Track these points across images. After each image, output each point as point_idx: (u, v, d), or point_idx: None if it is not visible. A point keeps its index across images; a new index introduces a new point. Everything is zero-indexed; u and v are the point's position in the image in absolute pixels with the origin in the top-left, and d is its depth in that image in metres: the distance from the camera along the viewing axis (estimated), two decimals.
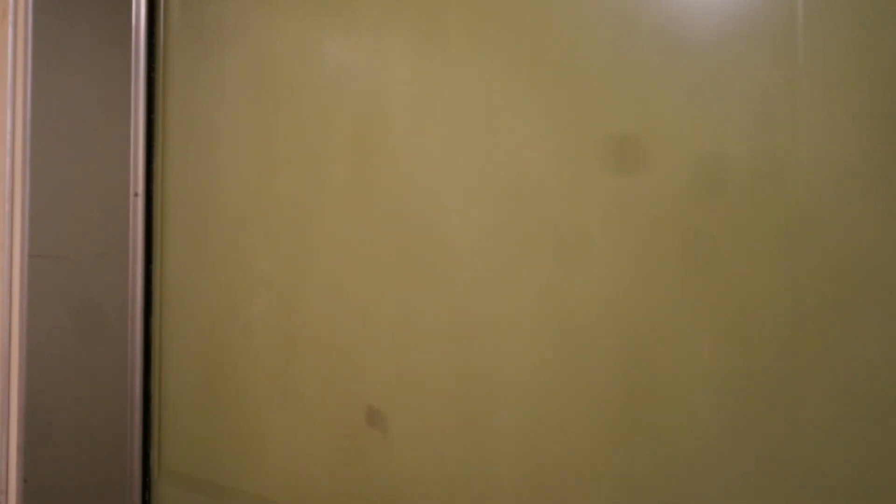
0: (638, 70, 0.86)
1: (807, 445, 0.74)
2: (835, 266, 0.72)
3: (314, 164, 1.23)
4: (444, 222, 1.05)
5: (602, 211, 0.88)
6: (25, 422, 1.33)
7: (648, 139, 0.85)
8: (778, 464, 0.76)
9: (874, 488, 0.70)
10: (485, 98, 1.00)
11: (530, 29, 0.96)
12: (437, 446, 1.04)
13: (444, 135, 1.05)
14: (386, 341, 1.11)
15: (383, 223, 1.12)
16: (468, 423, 1.01)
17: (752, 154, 0.77)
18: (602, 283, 0.88)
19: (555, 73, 0.94)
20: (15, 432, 1.33)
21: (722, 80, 0.80)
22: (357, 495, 1.14)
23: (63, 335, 1.38)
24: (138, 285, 1.45)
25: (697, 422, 0.81)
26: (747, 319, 0.77)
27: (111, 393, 1.45)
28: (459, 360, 1.02)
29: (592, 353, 0.89)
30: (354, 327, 1.15)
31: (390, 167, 1.11)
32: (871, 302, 0.70)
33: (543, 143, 0.94)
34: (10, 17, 1.27)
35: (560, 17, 0.93)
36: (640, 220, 0.85)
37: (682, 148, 0.82)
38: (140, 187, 1.45)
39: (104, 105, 1.39)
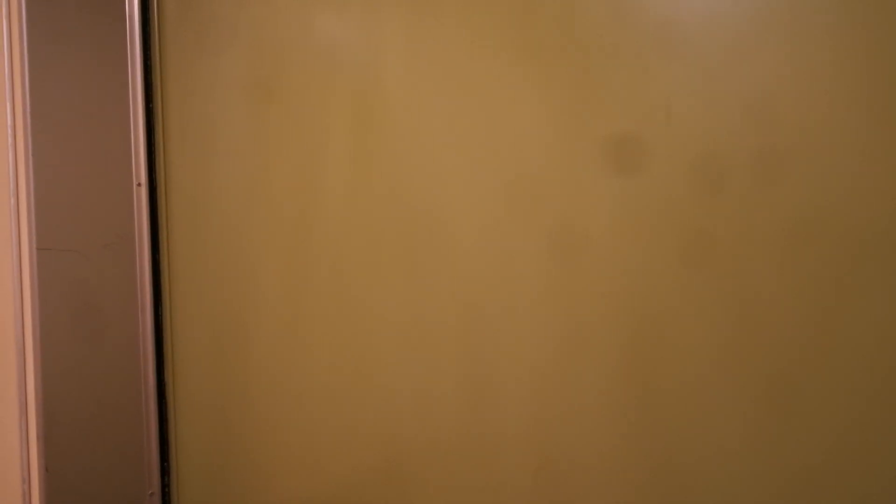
0: (639, 68, 0.84)
1: (807, 443, 0.74)
2: (836, 265, 0.72)
3: (314, 149, 1.22)
4: (446, 213, 1.03)
5: (606, 209, 0.87)
6: (43, 412, 1.35)
7: (651, 138, 0.83)
8: (781, 461, 0.75)
9: (877, 487, 0.69)
10: (485, 94, 0.99)
11: (531, 25, 0.94)
12: (444, 444, 1.04)
13: (445, 127, 1.03)
14: (391, 336, 1.10)
15: (384, 213, 1.11)
16: (474, 419, 1.01)
17: (752, 153, 0.76)
18: (606, 280, 0.87)
19: (555, 71, 0.92)
20: (34, 422, 1.36)
21: (723, 79, 0.79)
22: (366, 489, 1.14)
23: (75, 326, 1.39)
24: (146, 275, 1.45)
25: (698, 416, 0.81)
26: (750, 318, 0.77)
27: (125, 381, 1.46)
28: (464, 357, 1.01)
29: (596, 351, 0.88)
30: (358, 319, 1.15)
31: (390, 154, 1.10)
32: (873, 301, 0.70)
33: (545, 141, 0.93)
34: (4, 11, 1.28)
35: (559, 13, 0.91)
36: (645, 218, 0.84)
37: (684, 147, 0.81)
38: (143, 177, 1.44)
39: (102, 95, 1.39)
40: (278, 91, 1.28)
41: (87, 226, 1.39)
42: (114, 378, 1.44)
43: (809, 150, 0.73)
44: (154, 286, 1.47)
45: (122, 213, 1.43)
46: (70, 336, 1.39)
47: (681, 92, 0.81)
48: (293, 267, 1.26)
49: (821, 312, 0.73)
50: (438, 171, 1.05)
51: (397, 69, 1.10)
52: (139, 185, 1.44)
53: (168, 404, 1.50)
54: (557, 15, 0.91)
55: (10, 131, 1.32)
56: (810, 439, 0.74)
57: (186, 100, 1.44)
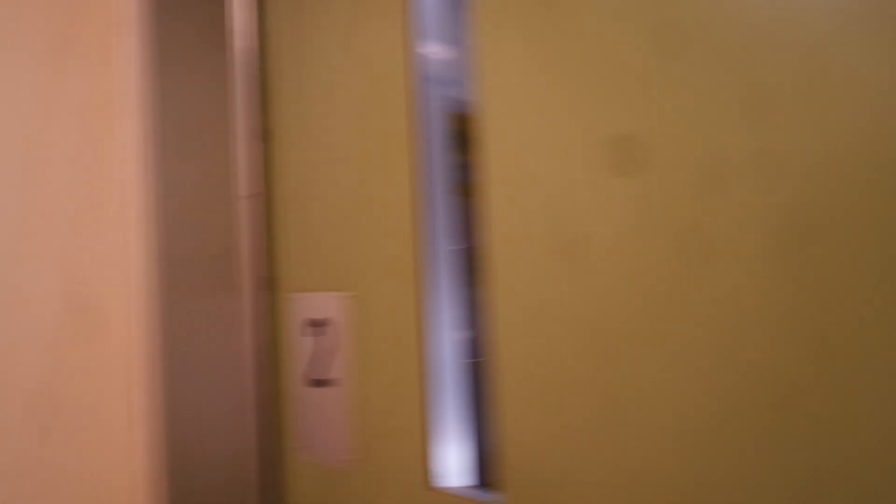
0: (639, 70, 0.84)
1: (805, 445, 0.71)
2: (839, 266, 0.70)
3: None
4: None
5: (624, 219, 0.85)
6: (166, 440, 1.25)
7: (656, 141, 0.82)
8: (788, 466, 0.72)
9: (876, 489, 0.66)
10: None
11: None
12: None
13: None
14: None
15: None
16: None
17: (752, 154, 0.75)
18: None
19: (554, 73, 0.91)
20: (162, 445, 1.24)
21: (723, 79, 0.78)
22: None
23: (197, 328, 1.35)
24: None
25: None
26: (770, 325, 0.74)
27: (237, 397, 1.38)
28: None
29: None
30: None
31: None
32: (871, 302, 0.68)
33: (553, 152, 0.91)
34: (135, 50, 1.35)
35: (558, 15, 0.92)
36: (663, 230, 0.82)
37: (687, 149, 0.80)
38: (253, 188, 1.45)
39: (215, 112, 1.44)
40: (382, 106, 1.20)
41: (201, 236, 1.38)
42: (229, 391, 1.35)
43: (812, 151, 0.71)
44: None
45: (232, 225, 1.43)
46: (194, 341, 1.32)
47: (684, 96, 0.80)
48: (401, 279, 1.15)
49: (821, 315, 0.70)
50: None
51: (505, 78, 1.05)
52: (249, 196, 1.45)
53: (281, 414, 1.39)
54: (560, 31, 0.90)
55: (140, 145, 1.34)
56: (820, 444, 0.69)
57: (294, 113, 1.47)
